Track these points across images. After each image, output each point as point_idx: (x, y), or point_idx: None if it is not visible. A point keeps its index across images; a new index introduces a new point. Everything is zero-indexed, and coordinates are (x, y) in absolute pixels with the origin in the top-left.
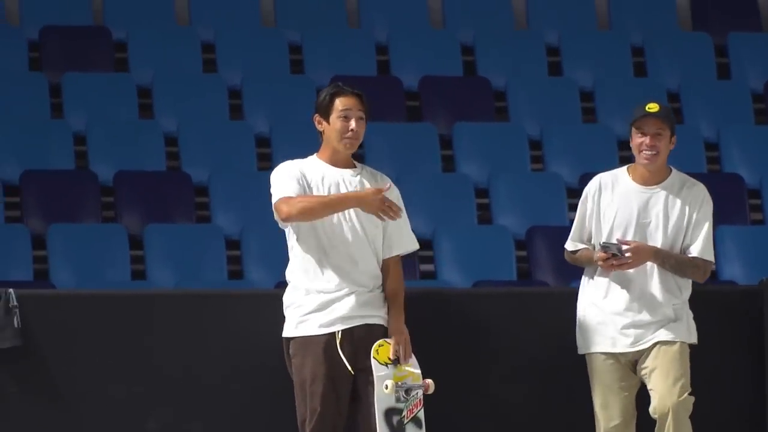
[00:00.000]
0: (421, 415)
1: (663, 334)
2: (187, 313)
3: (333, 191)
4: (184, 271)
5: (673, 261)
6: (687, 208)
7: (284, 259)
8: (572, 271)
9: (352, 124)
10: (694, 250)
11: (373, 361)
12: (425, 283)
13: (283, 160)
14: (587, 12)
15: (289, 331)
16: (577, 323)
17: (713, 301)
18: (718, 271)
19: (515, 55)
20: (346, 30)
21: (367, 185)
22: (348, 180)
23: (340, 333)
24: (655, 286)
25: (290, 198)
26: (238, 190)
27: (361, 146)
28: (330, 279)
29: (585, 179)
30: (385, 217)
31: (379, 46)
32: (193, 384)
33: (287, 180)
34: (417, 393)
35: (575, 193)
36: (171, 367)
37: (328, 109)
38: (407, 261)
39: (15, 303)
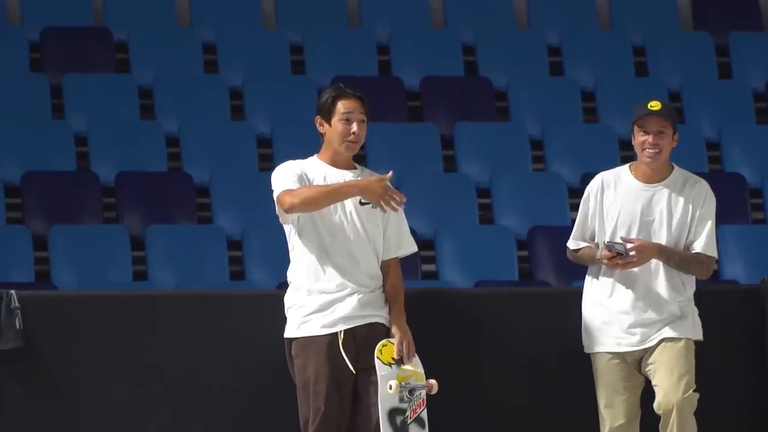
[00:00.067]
0: (425, 415)
1: (668, 331)
2: (189, 314)
3: None
4: (185, 271)
5: (677, 258)
6: (690, 205)
7: (286, 260)
8: (574, 271)
9: (354, 127)
10: (698, 246)
11: (376, 361)
12: (427, 283)
13: (285, 161)
14: (588, 12)
15: (291, 331)
16: (582, 323)
17: (715, 300)
18: (720, 270)
19: (516, 55)
20: (347, 30)
21: None
22: (349, 180)
23: (342, 333)
24: (661, 284)
25: (292, 189)
26: (239, 191)
27: (362, 147)
28: (332, 279)
29: (586, 179)
30: (387, 208)
31: (380, 47)
32: (194, 385)
33: (289, 175)
34: (420, 393)
35: (577, 193)
36: (172, 367)
37: (330, 112)
38: (408, 261)
39: (16, 304)
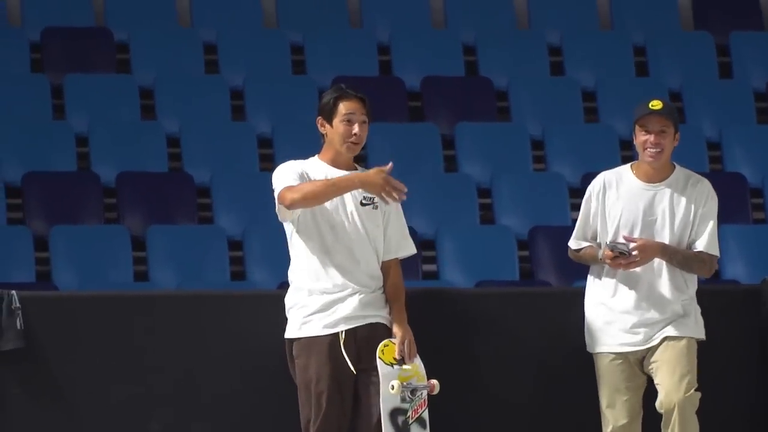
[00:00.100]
0: (426, 415)
1: (671, 330)
2: (190, 314)
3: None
4: (186, 272)
5: (679, 257)
6: (692, 204)
7: (286, 260)
8: (575, 271)
9: (356, 128)
10: (700, 245)
11: (378, 361)
12: (427, 283)
13: (285, 161)
14: (589, 12)
15: (292, 332)
16: (585, 323)
17: (715, 300)
18: (721, 270)
19: (517, 55)
20: (347, 30)
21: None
22: None
23: (343, 333)
24: (664, 284)
25: (293, 186)
26: (240, 191)
27: (363, 147)
28: (333, 279)
29: (587, 179)
30: (389, 199)
31: (380, 47)
32: (195, 385)
33: (290, 173)
34: (422, 393)
35: (577, 193)
36: (173, 368)
37: (332, 113)
38: (409, 261)
39: (17, 305)
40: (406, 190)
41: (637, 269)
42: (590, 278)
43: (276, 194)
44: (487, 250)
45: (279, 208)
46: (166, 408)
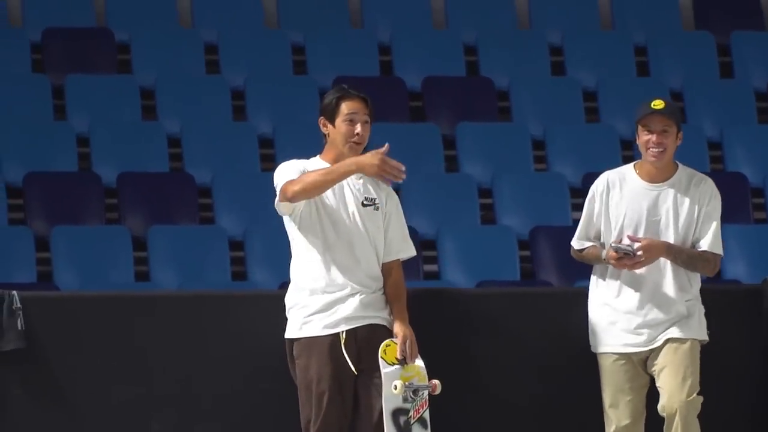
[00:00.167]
0: (427, 415)
1: (674, 332)
2: (191, 315)
3: (337, 193)
4: (187, 272)
5: (684, 256)
6: (696, 204)
7: (287, 260)
8: (576, 271)
9: (358, 128)
10: (704, 244)
11: (380, 361)
12: (429, 284)
13: (286, 161)
14: (590, 12)
15: (292, 332)
16: (589, 323)
17: (717, 300)
18: (722, 270)
19: (518, 55)
20: (348, 30)
21: (370, 188)
22: (352, 183)
23: (344, 333)
24: (668, 284)
25: (294, 179)
26: (241, 191)
27: (365, 147)
28: (334, 278)
29: (588, 179)
30: (389, 178)
31: (381, 47)
32: (196, 385)
33: (292, 170)
34: (424, 393)
35: (579, 193)
36: (174, 368)
37: (334, 113)
38: (410, 261)
39: (18, 305)
40: (404, 168)
41: (641, 269)
42: (594, 278)
43: (278, 190)
44: (488, 250)
45: (279, 204)
46: (168, 408)
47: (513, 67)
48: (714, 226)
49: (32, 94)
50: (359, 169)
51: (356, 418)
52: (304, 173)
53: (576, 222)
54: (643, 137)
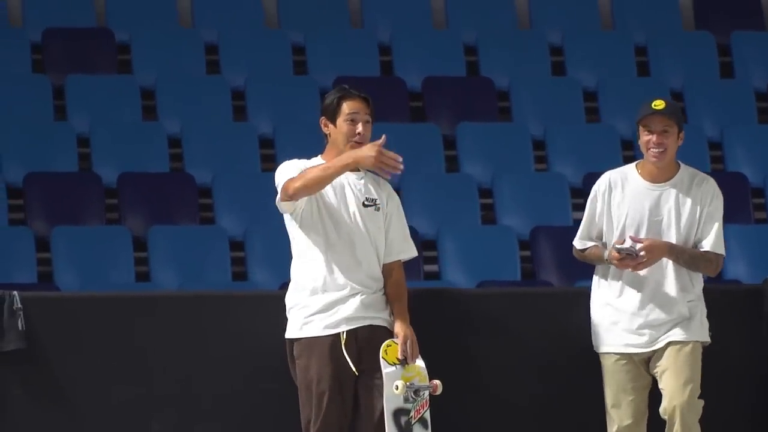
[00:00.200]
0: (428, 415)
1: (676, 334)
2: (191, 315)
3: (339, 193)
4: (187, 272)
5: (686, 256)
6: (698, 204)
7: (288, 260)
8: (576, 271)
9: (359, 127)
10: (707, 245)
11: (381, 361)
12: (429, 284)
13: (286, 161)
14: (590, 12)
15: (293, 332)
16: (591, 323)
17: (717, 300)
18: (723, 270)
19: (518, 55)
20: (349, 31)
21: (371, 189)
22: (353, 183)
23: (344, 334)
24: (670, 284)
25: (295, 177)
26: (241, 192)
27: None
28: (335, 279)
29: (589, 179)
30: (387, 170)
31: (382, 47)
32: (197, 386)
33: (294, 168)
34: (424, 393)
35: (579, 193)
36: (175, 368)
37: (335, 113)
38: (411, 262)
39: (19, 305)
40: (401, 159)
41: (643, 269)
42: (596, 278)
43: (279, 188)
44: (489, 251)
45: (281, 202)
46: (168, 408)
47: (513, 67)
48: (716, 226)
49: (32, 95)
50: (356, 162)
51: (357, 419)
52: (304, 171)
53: (576, 222)
54: (644, 137)
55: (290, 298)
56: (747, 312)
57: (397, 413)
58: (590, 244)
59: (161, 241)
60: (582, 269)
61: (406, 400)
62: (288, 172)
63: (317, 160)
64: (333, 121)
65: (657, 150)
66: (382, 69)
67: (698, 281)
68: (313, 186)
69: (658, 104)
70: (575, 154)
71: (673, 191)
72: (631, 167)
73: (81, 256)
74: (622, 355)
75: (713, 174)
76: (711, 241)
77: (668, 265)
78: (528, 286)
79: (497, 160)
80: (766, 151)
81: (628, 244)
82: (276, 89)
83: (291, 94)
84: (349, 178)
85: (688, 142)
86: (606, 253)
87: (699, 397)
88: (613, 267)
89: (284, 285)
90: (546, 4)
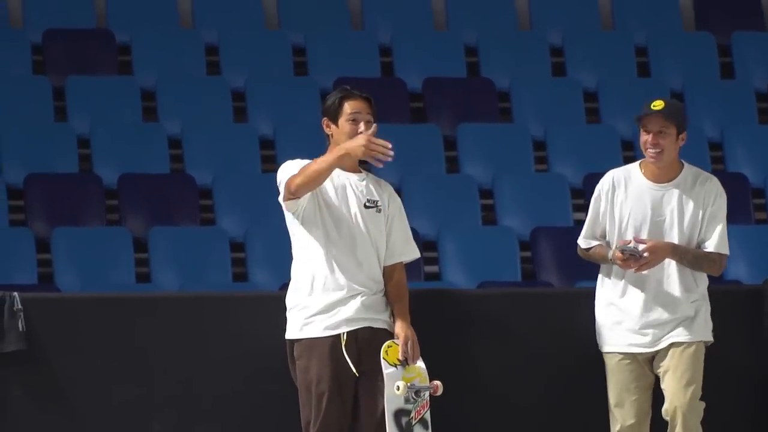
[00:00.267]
0: (428, 416)
1: (679, 334)
2: (192, 316)
3: (340, 193)
4: (188, 273)
5: (690, 256)
6: (701, 204)
7: (288, 261)
8: (577, 272)
9: (361, 127)
10: (710, 245)
11: (382, 361)
12: (430, 285)
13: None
14: (591, 12)
15: (293, 333)
16: (596, 322)
17: (718, 300)
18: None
19: (519, 56)
20: (349, 32)
21: (373, 190)
22: (355, 184)
23: (345, 335)
24: (674, 284)
25: (295, 174)
26: (242, 193)
27: None
28: (336, 279)
29: (589, 180)
30: (380, 157)
31: (382, 48)
32: (197, 387)
33: (295, 167)
34: (425, 394)
35: (579, 193)
36: (175, 369)
37: (337, 113)
38: (412, 262)
39: (19, 306)
40: (390, 146)
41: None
42: (600, 278)
43: (281, 187)
44: (489, 251)
45: (284, 201)
46: (168, 409)
47: (514, 68)
48: (720, 226)
49: (33, 96)
50: (348, 152)
51: (357, 419)
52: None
53: (577, 222)
54: (642, 137)
55: (290, 299)
56: (747, 312)
57: (398, 414)
58: (594, 243)
59: (162, 242)
60: (582, 270)
61: (406, 400)
62: (290, 170)
63: None
64: (335, 121)
65: (653, 150)
66: (382, 70)
67: (702, 281)
68: (313, 180)
69: (657, 104)
70: (576, 155)
71: (676, 191)
72: (634, 166)
73: (81, 257)
74: (626, 355)
75: (713, 174)
76: (715, 241)
77: (672, 265)
78: (528, 286)
79: (498, 161)
80: (767, 152)
81: (631, 244)
82: (276, 90)
83: (291, 95)
84: (350, 179)
85: (689, 142)
86: (610, 253)
87: (700, 399)
88: (616, 267)
89: (284, 286)
90: (546, 5)
